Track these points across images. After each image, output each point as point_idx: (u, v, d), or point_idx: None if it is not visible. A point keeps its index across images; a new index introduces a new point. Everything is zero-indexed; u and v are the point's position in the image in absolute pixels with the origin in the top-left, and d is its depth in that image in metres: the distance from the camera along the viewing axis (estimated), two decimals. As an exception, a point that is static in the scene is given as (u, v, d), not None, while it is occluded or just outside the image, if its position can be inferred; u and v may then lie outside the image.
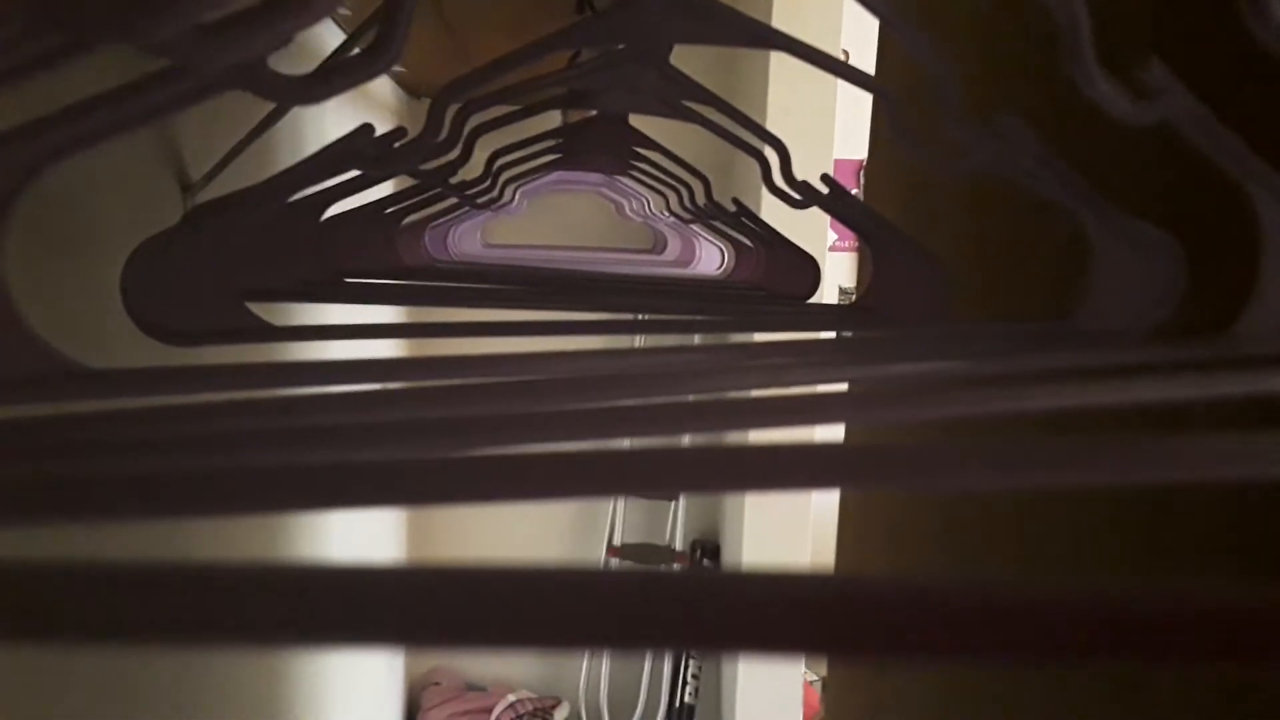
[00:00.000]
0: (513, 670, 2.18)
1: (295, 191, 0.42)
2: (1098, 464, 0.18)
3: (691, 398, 0.24)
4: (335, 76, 0.21)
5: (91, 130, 0.20)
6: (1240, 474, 0.17)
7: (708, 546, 2.02)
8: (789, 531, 1.57)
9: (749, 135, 0.51)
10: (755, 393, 0.29)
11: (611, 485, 0.13)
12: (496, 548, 2.09)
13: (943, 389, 0.26)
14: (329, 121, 0.98)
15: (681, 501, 2.04)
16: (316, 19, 0.17)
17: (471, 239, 1.17)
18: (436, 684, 2.09)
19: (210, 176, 0.61)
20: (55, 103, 0.21)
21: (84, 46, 0.15)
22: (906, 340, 0.39)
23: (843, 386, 0.38)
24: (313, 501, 0.15)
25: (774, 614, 0.08)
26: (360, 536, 1.46)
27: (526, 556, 2.15)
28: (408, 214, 0.64)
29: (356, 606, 0.09)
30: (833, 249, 2.23)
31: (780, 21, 1.32)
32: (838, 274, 2.25)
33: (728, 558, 1.89)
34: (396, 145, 0.39)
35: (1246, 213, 0.26)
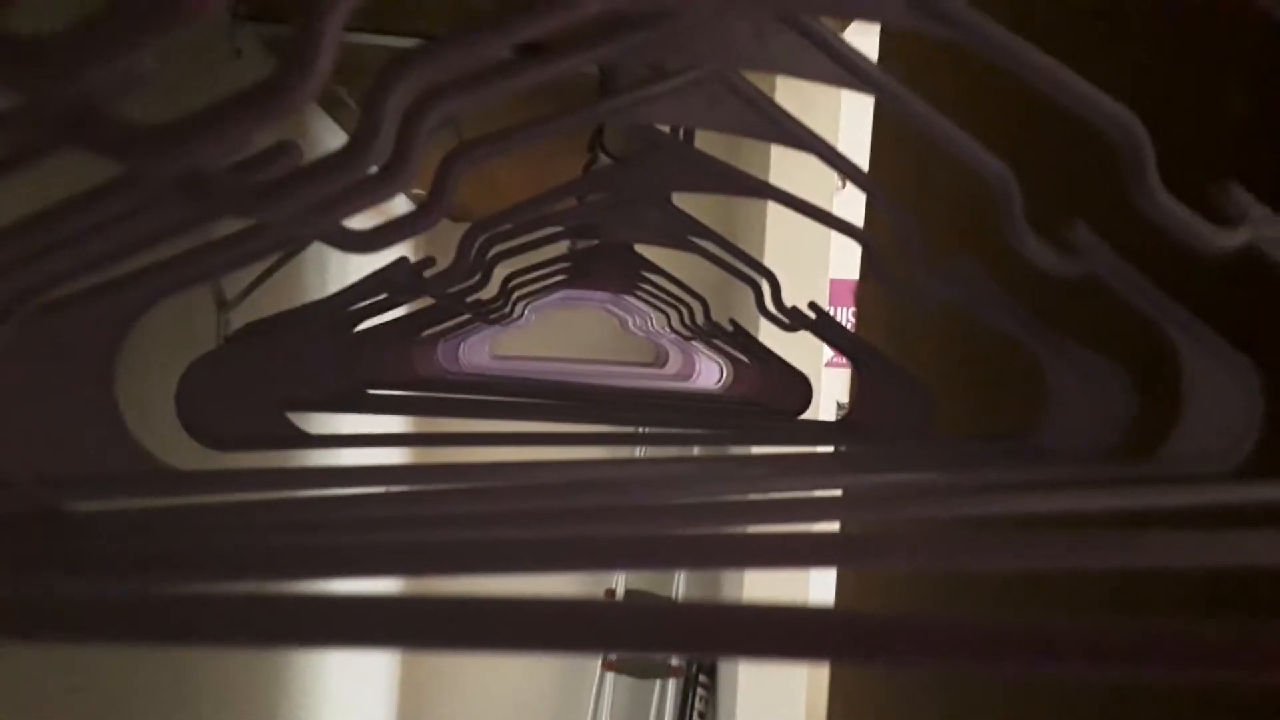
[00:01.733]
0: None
1: (331, 314, 0.46)
2: (1063, 552, 0.21)
3: (690, 501, 0.27)
4: (394, 229, 0.25)
5: (194, 274, 0.24)
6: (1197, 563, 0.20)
7: (704, 663, 2.00)
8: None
9: (744, 265, 0.56)
10: (752, 497, 0.33)
11: (601, 642, 0.16)
12: (490, 661, 2.07)
13: (918, 496, 0.29)
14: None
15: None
16: (396, 194, 0.21)
17: (480, 350, 1.22)
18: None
19: (244, 294, 0.66)
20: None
21: (215, 217, 0.19)
22: (887, 454, 0.43)
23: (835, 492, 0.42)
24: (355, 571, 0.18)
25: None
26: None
27: (520, 665, 2.12)
28: (425, 329, 0.69)
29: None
30: (829, 365, 2.28)
31: (780, 154, 1.40)
32: (834, 389, 2.29)
33: (724, 674, 1.87)
34: (426, 274, 0.43)
35: (1172, 352, 0.30)
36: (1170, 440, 0.29)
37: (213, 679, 0.77)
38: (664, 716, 1.98)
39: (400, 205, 1.53)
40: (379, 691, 1.76)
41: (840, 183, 1.72)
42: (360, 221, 0.26)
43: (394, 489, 0.30)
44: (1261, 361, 0.27)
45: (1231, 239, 0.22)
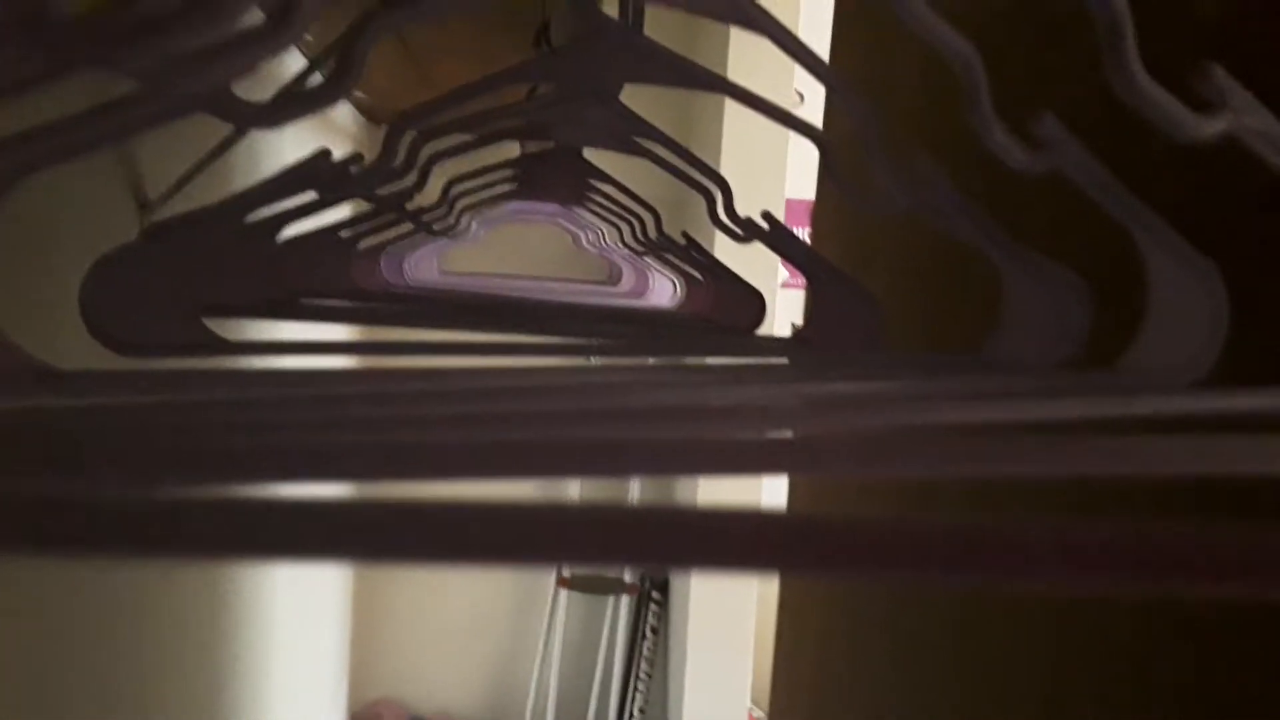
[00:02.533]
0: (458, 701, 2.16)
1: (252, 212, 0.43)
2: (1018, 459, 0.20)
3: (640, 403, 0.25)
4: (295, 103, 0.22)
5: (60, 148, 0.21)
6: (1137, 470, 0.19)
7: (657, 579, 2.02)
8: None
9: (696, 172, 0.54)
10: (703, 402, 0.31)
11: (565, 466, 0.14)
12: (442, 572, 2.08)
13: (865, 403, 0.28)
14: (287, 144, 0.99)
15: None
16: (282, 48, 0.19)
17: (429, 267, 1.18)
18: (379, 716, 2.06)
19: (168, 196, 0.62)
20: (21, 121, 0.22)
21: (66, 71, 0.16)
22: (837, 364, 0.41)
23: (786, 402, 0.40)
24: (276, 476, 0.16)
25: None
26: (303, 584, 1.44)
27: (474, 584, 2.13)
28: (363, 239, 0.65)
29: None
30: (784, 285, 2.28)
31: (735, 62, 1.36)
32: (790, 311, 2.29)
33: (677, 590, 1.90)
34: (353, 170, 0.40)
35: (1136, 255, 0.28)
36: (1131, 350, 0.28)
37: (155, 602, 0.75)
38: (617, 632, 2.02)
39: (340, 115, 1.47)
40: (331, 605, 1.76)
41: (798, 97, 1.68)
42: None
43: (331, 392, 0.27)
44: (1228, 266, 0.26)
45: (1211, 126, 0.20)
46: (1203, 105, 0.21)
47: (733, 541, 0.13)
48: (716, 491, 1.48)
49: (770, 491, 1.56)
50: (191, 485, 0.15)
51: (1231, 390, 0.22)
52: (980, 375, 0.33)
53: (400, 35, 0.95)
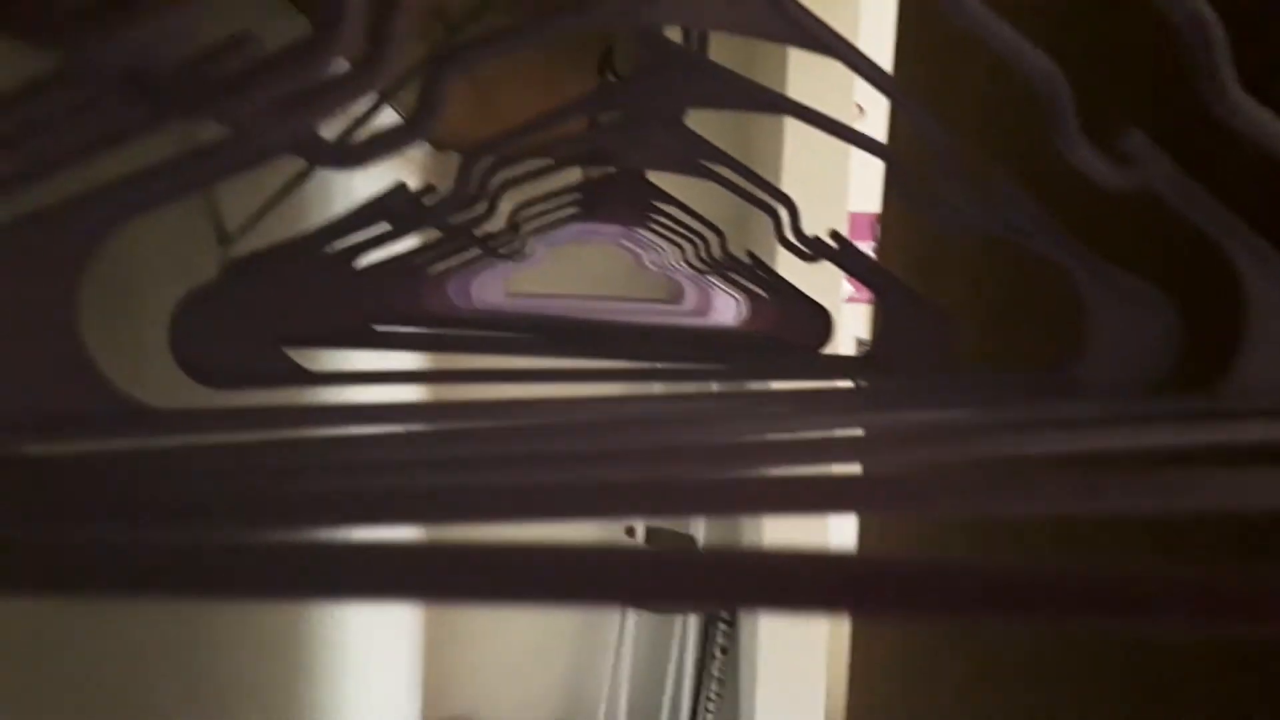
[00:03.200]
0: (530, 713, 2.16)
1: (329, 244, 0.44)
2: (1108, 495, 0.19)
3: (707, 440, 0.25)
4: (377, 145, 0.23)
5: (158, 193, 0.22)
6: (1244, 505, 0.18)
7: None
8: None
9: (760, 192, 0.53)
10: (771, 437, 0.31)
11: (634, 507, 0.14)
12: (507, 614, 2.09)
13: (944, 434, 0.27)
14: (357, 175, 1.01)
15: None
16: (367, 92, 0.19)
17: (495, 288, 1.20)
18: (450, 732, 2.08)
19: (246, 228, 0.64)
20: (110, 168, 0.23)
21: (166, 121, 0.17)
22: (912, 390, 0.41)
23: (856, 432, 0.40)
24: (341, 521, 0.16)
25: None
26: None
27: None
28: (433, 264, 0.66)
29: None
30: (849, 300, 2.25)
31: (795, 78, 1.36)
32: (854, 325, 2.26)
33: (745, 622, 1.88)
34: (427, 202, 0.41)
35: (1231, 273, 0.27)
36: (1230, 372, 0.27)
37: (231, 623, 0.76)
38: (686, 651, 2.00)
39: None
40: (404, 624, 1.78)
41: (858, 110, 1.66)
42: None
43: (401, 429, 0.28)
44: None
45: (1128, 179, 0.19)
46: (1123, 160, 0.20)
47: (797, 585, 0.13)
48: (782, 529, 1.46)
49: (837, 530, 1.54)
50: (263, 529, 0.16)
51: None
52: (1066, 401, 0.32)
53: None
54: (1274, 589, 0.11)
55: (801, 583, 0.13)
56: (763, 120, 1.66)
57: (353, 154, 0.22)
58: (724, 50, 0.49)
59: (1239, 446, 0.22)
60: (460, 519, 0.18)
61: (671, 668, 2.03)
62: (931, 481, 0.19)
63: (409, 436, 0.24)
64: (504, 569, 0.13)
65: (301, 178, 0.65)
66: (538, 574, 0.13)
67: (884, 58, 0.75)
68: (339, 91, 0.18)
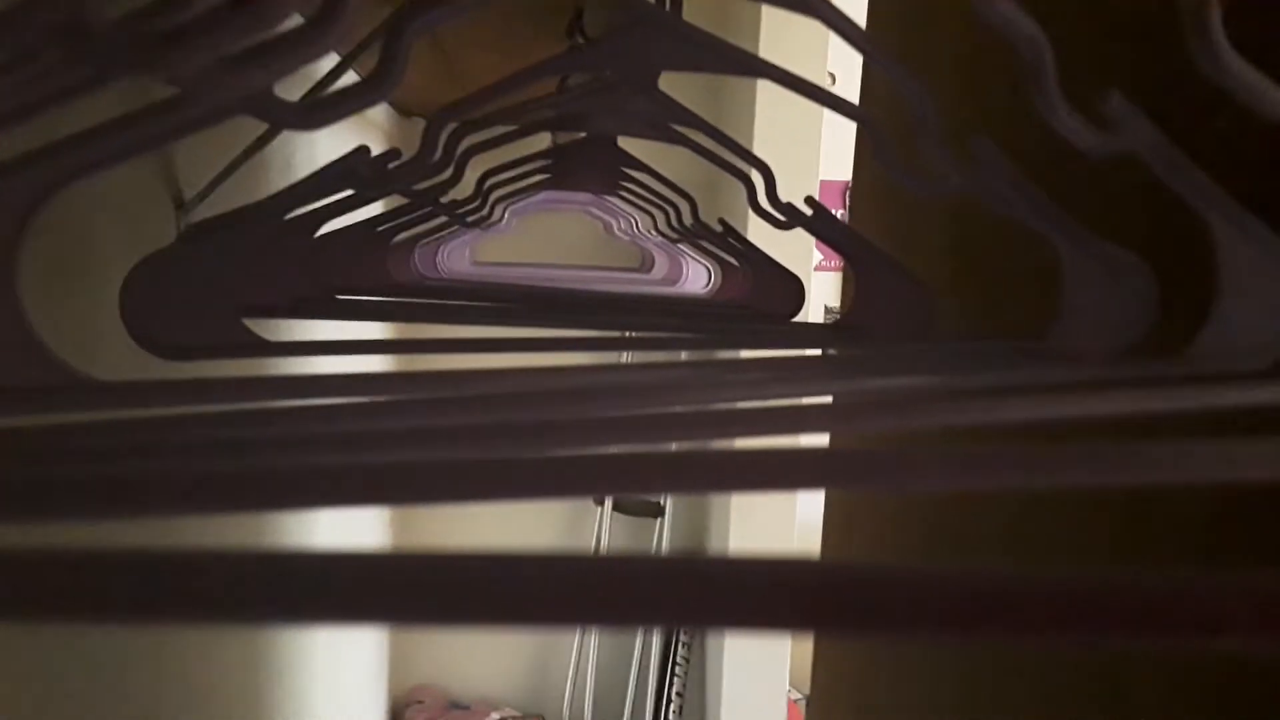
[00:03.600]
0: (496, 688, 2.17)
1: (291, 210, 0.43)
2: (1073, 468, 0.19)
3: (677, 409, 0.25)
4: (336, 104, 0.22)
5: (103, 155, 0.21)
6: (1215, 477, 0.18)
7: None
8: (774, 549, 1.57)
9: (734, 158, 0.53)
10: (740, 405, 0.30)
11: (596, 484, 0.14)
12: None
13: (917, 401, 0.27)
14: (320, 139, 0.99)
15: (667, 519, 2.05)
16: (324, 52, 0.18)
17: (461, 257, 1.18)
18: (420, 703, 2.08)
19: (204, 194, 0.62)
20: (57, 127, 0.22)
21: (109, 78, 0.16)
22: (885, 357, 0.40)
23: (826, 399, 0.39)
24: (304, 500, 0.16)
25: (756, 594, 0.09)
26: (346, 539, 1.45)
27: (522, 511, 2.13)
28: (398, 232, 0.65)
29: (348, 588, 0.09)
30: (818, 269, 2.26)
31: (767, 46, 1.34)
32: (823, 293, 2.27)
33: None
34: (391, 166, 0.40)
35: (1207, 238, 0.27)
36: (1200, 336, 0.27)
37: (190, 699, 0.76)
38: (652, 644, 2.02)
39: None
40: (361, 706, 1.76)
41: (830, 79, 1.65)
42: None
43: (358, 400, 0.27)
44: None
45: (1110, 144, 0.19)
46: (1105, 125, 0.20)
47: (764, 600, 0.12)
48: (749, 498, 1.47)
49: (805, 501, 1.55)
50: (208, 511, 0.15)
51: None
52: (1041, 366, 0.32)
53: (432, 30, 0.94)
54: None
55: (766, 599, 0.12)
56: (734, 87, 1.65)
57: (310, 113, 0.21)
58: (697, 13, 0.48)
59: (1213, 411, 0.21)
60: (421, 498, 0.17)
61: (640, 632, 2.04)
62: (899, 458, 0.19)
63: (370, 408, 0.23)
64: (444, 584, 0.12)
65: (262, 142, 0.63)
66: (491, 593, 0.12)
67: (857, 18, 0.74)
68: (292, 48, 0.17)
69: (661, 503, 2.03)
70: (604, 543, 2.06)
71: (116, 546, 0.10)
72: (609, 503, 2.04)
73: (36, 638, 0.48)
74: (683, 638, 1.98)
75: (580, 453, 0.20)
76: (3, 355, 0.21)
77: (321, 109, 0.21)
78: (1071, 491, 0.40)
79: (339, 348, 0.39)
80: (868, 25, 0.77)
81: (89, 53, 0.15)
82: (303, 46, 0.17)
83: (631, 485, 0.15)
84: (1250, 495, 0.30)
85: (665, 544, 2.04)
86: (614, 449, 0.20)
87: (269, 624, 0.10)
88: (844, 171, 0.90)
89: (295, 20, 0.18)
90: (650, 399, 0.27)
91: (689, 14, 0.40)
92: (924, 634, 0.10)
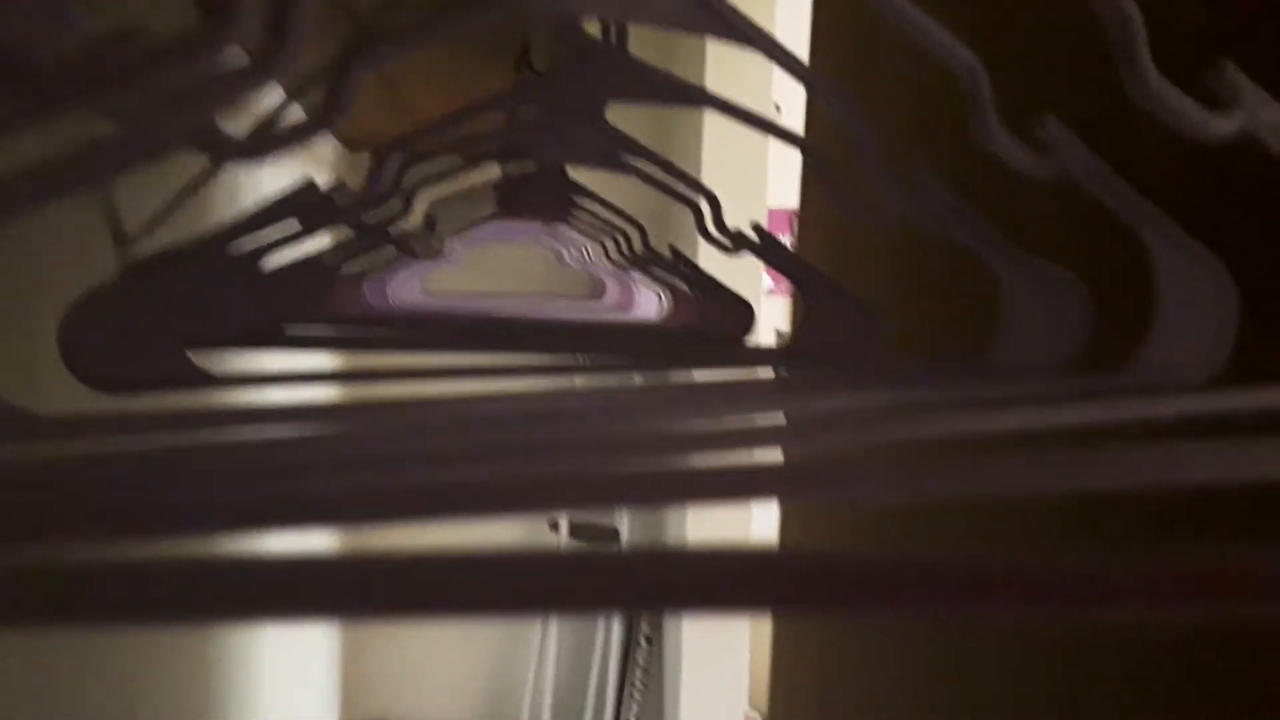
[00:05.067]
0: (452, 715, 2.13)
1: (235, 243, 0.42)
2: (1020, 475, 0.20)
3: (630, 428, 0.25)
4: (280, 138, 0.22)
5: (38, 193, 0.20)
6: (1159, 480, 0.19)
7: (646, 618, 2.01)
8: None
9: (683, 186, 0.53)
10: (694, 425, 0.30)
11: (553, 500, 0.14)
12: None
13: (867, 417, 0.27)
14: (266, 174, 0.98)
15: (623, 545, 2.04)
16: (267, 84, 0.18)
17: (411, 288, 1.17)
18: (375, 739, 2.03)
19: (147, 230, 0.61)
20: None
21: (46, 115, 0.15)
22: (833, 376, 0.41)
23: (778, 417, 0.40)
24: (256, 526, 0.15)
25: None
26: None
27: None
28: (346, 263, 0.64)
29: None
30: (769, 294, 2.28)
31: (713, 75, 1.36)
32: (774, 318, 2.29)
33: (669, 631, 1.88)
34: (337, 199, 0.40)
35: (1143, 255, 0.28)
36: (1141, 350, 0.28)
37: (134, 644, 0.73)
38: (611, 643, 2.00)
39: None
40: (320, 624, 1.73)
41: (776, 109, 1.68)
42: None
43: (311, 430, 0.27)
44: (1238, 265, 0.25)
45: (1225, 125, 0.20)
46: (1215, 103, 0.21)
47: (725, 583, 0.12)
48: (705, 520, 1.47)
49: (761, 520, 1.56)
50: (165, 539, 0.15)
51: (1253, 388, 0.22)
52: (982, 382, 0.33)
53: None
54: (1237, 567, 0.11)
55: (726, 581, 0.12)
56: (682, 119, 1.67)
57: (255, 147, 0.21)
58: (643, 46, 0.49)
59: (1154, 422, 0.22)
60: (376, 520, 0.17)
61: (596, 659, 2.03)
62: (852, 466, 0.19)
63: (320, 438, 0.23)
64: (410, 579, 0.12)
65: (207, 175, 0.62)
66: (451, 584, 0.12)
67: (800, 50, 0.76)
68: (236, 84, 0.17)
69: (618, 528, 2.02)
70: (552, 629, 2.05)
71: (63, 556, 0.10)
72: (564, 528, 2.03)
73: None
74: (640, 661, 1.97)
75: (535, 471, 0.20)
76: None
77: (267, 142, 0.21)
78: (1018, 504, 0.41)
79: (286, 379, 0.39)
80: (810, 53, 0.79)
81: (33, 89, 0.15)
82: (247, 81, 0.17)
83: (588, 499, 0.15)
84: (1192, 499, 0.31)
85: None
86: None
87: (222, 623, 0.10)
88: (792, 199, 0.92)
89: (240, 58, 0.18)
90: (602, 422, 0.27)
91: (635, 47, 0.41)
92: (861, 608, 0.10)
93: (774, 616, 0.89)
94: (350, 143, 1.56)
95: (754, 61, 1.48)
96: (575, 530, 2.03)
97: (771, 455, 0.25)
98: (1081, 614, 0.10)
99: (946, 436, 0.24)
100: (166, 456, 0.21)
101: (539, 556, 0.12)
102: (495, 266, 1.84)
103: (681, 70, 0.38)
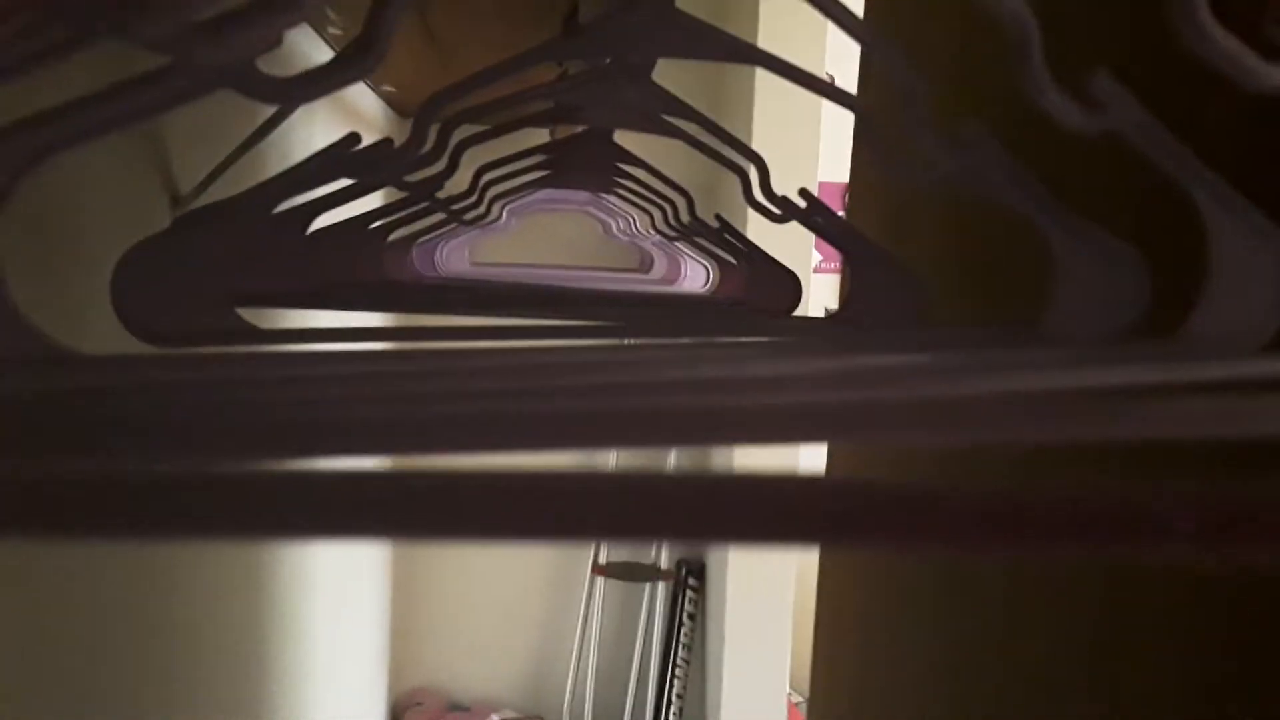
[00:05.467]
0: (496, 690, 2.17)
1: (283, 200, 0.43)
2: (1073, 420, 0.19)
3: (678, 376, 0.25)
4: (319, 78, 0.22)
5: (85, 127, 0.21)
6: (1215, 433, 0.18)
7: (693, 565, 2.02)
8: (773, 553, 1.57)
9: (731, 151, 0.53)
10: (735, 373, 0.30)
11: (602, 438, 0.14)
12: (479, 562, 2.09)
13: (909, 373, 0.27)
14: (318, 138, 0.99)
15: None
16: (305, 17, 0.18)
17: (459, 257, 1.18)
18: (419, 704, 2.08)
19: (200, 189, 0.62)
20: (42, 100, 0.22)
21: (83, 42, 0.16)
22: (878, 338, 0.40)
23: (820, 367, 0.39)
24: (310, 451, 0.16)
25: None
26: (343, 558, 1.45)
27: (512, 573, 2.14)
28: (395, 229, 0.65)
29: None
30: (817, 270, 2.25)
31: (765, 41, 1.34)
32: (823, 295, 2.27)
33: (713, 576, 1.89)
34: (380, 156, 0.40)
35: (1196, 218, 0.27)
36: (1193, 318, 0.27)
37: (187, 586, 0.75)
38: (654, 619, 2.02)
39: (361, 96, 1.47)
40: (370, 593, 1.77)
41: (829, 79, 1.65)
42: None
43: (367, 367, 0.27)
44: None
45: (1096, 123, 0.19)
46: (1273, 53, 0.20)
47: (780, 511, 0.12)
48: (752, 462, 1.46)
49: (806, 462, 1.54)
50: (213, 461, 0.15)
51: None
52: (1033, 348, 0.32)
53: (427, 26, 0.95)
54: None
55: (774, 509, 0.12)
56: (732, 89, 1.65)
57: (293, 87, 0.21)
58: (694, 4, 0.48)
59: (1205, 384, 0.21)
60: (436, 448, 0.17)
61: (639, 635, 2.04)
62: (903, 410, 0.19)
63: (375, 373, 0.23)
64: (460, 500, 0.12)
65: (257, 137, 0.63)
66: (503, 505, 0.12)
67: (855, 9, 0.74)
68: (274, 15, 0.17)
69: (659, 566, 2.04)
70: (604, 546, 2.06)
71: (116, 468, 0.10)
72: (604, 555, 2.05)
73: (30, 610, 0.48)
74: (682, 639, 1.98)
75: (590, 405, 0.20)
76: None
77: (303, 84, 0.21)
78: (1065, 452, 0.40)
79: (334, 335, 0.39)
80: (864, 15, 0.77)
81: (65, 14, 0.15)
82: (281, 13, 0.17)
83: (638, 437, 0.15)
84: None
85: (665, 546, 2.03)
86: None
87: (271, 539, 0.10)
88: (844, 174, 0.90)
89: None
90: (648, 369, 0.27)
91: (686, 5, 0.40)
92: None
93: (820, 557, 0.88)
94: (402, 110, 1.57)
95: (807, 25, 1.44)
96: (612, 569, 2.05)
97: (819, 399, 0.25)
98: (1131, 547, 0.10)
99: (997, 393, 0.24)
100: (227, 384, 0.22)
101: (590, 477, 0.12)
102: (543, 238, 1.85)
103: (734, 28, 0.37)
